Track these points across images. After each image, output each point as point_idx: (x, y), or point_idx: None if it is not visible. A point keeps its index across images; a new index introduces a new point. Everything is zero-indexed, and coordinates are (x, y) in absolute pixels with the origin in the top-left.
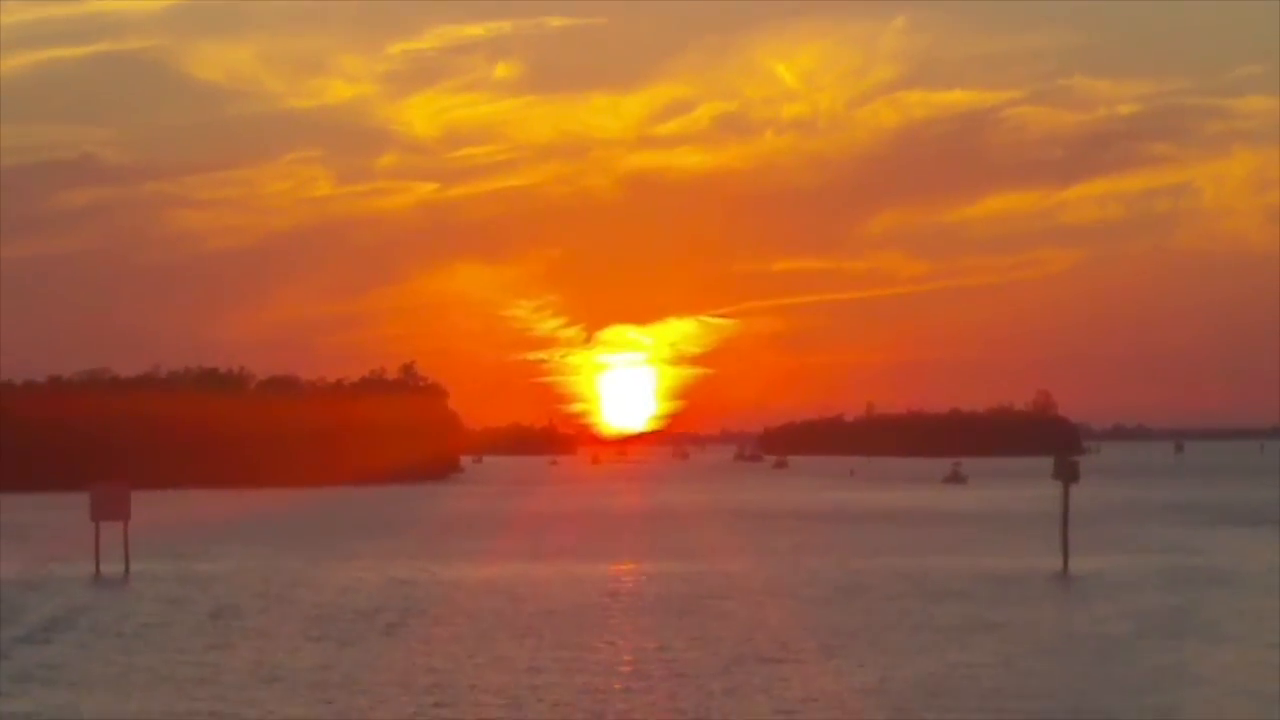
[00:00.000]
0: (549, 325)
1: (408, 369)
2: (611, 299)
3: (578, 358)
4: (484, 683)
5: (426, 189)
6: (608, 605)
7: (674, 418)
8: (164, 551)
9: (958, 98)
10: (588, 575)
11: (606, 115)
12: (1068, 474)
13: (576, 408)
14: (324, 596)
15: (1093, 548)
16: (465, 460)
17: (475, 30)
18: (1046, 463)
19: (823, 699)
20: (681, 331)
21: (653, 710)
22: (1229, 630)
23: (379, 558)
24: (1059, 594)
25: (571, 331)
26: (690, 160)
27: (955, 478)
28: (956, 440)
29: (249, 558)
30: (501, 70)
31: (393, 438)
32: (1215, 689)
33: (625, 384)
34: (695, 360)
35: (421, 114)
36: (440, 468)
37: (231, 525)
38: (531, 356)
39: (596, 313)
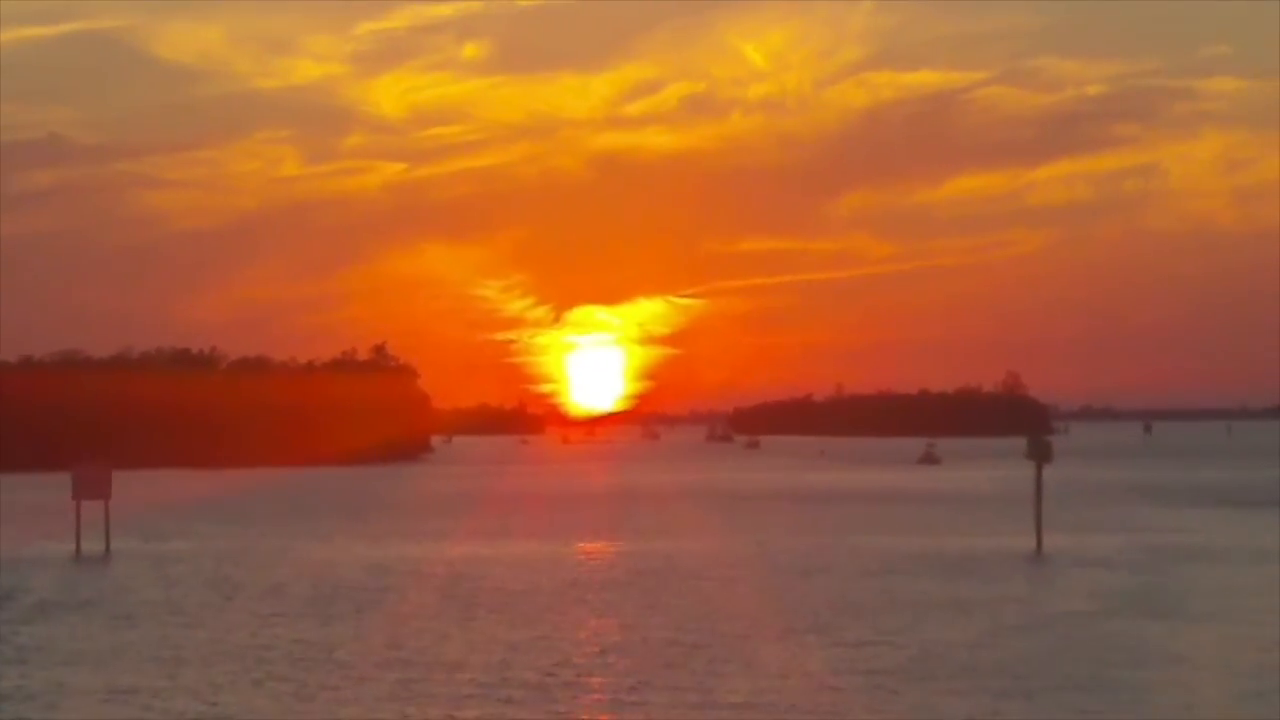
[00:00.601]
0: (517, 305)
1: (379, 349)
2: (580, 279)
3: (546, 338)
4: (460, 660)
5: (394, 169)
6: (582, 584)
7: (643, 398)
8: (140, 531)
9: (926, 78)
10: (562, 554)
11: (575, 95)
12: (1041, 454)
13: (545, 388)
14: (299, 575)
15: (1066, 527)
16: (436, 440)
17: (444, 10)
18: (1017, 443)
19: (798, 675)
20: (650, 312)
21: (630, 686)
22: (1201, 608)
23: (353, 537)
24: (1033, 573)
25: (540, 311)
26: (658, 140)
27: (929, 458)
28: (926, 420)
29: (224, 538)
30: (470, 50)
31: (364, 418)
32: (1187, 665)
33: (594, 364)
34: (663, 340)
35: (390, 94)
36: (411, 448)
37: (206, 505)
38: (500, 337)
39: (565, 293)
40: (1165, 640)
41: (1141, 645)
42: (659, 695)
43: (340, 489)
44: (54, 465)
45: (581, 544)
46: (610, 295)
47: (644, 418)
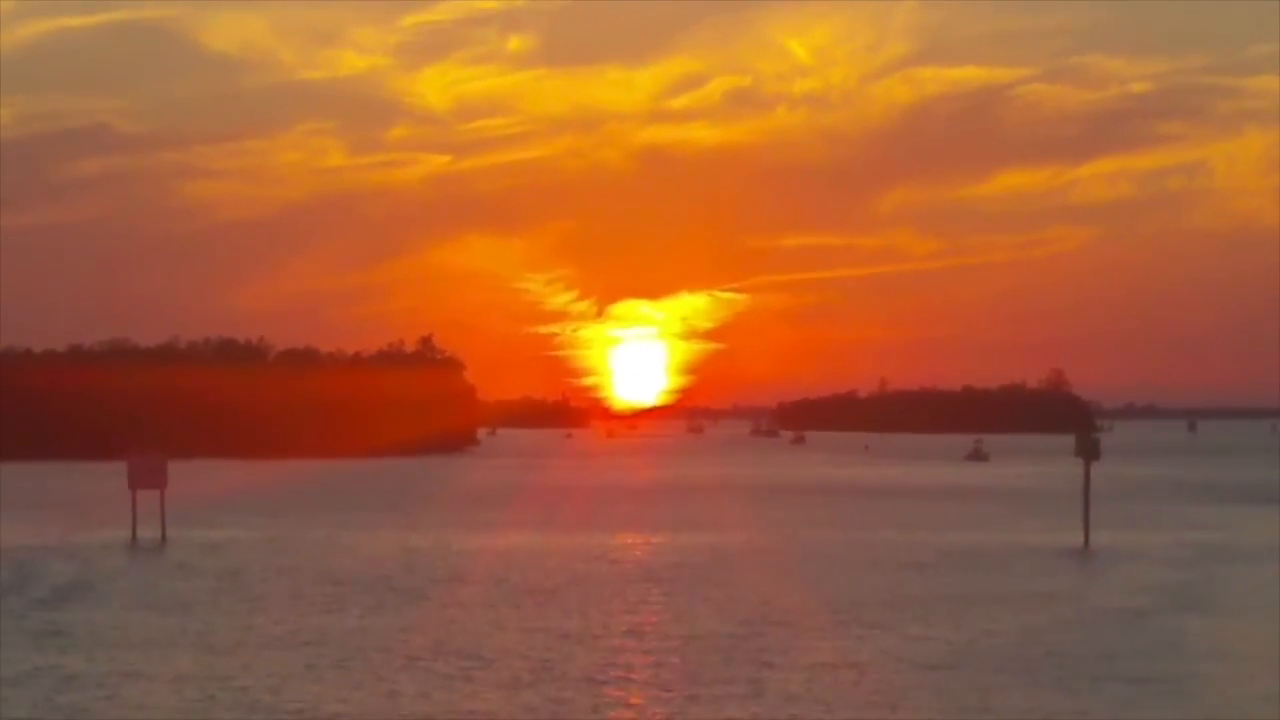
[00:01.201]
0: (561, 299)
1: (426, 341)
2: (623, 273)
3: (589, 331)
4: (510, 649)
5: (439, 161)
6: (631, 575)
7: (685, 392)
8: (193, 520)
9: (971, 74)
10: (611, 547)
11: (619, 89)
12: (1089, 452)
13: (588, 381)
14: (348, 566)
15: (1113, 523)
16: (481, 433)
17: (488, 3)
18: (1062, 440)
19: (847, 667)
20: (693, 306)
21: (681, 677)
22: (1245, 604)
23: (402, 528)
24: (1081, 568)
25: (583, 305)
26: (703, 134)
27: (977, 455)
28: (970, 417)
29: (274, 528)
30: (514, 43)
31: (412, 410)
32: (1232, 659)
33: (637, 358)
34: (706, 335)
35: (434, 86)
36: (457, 440)
37: (255, 496)
38: (543, 330)
39: (608, 286)
40: (1209, 635)
41: (1186, 640)
42: (710, 687)
43: (388, 481)
44: (103, 454)
45: (630, 537)
46: (653, 289)
47: (687, 412)
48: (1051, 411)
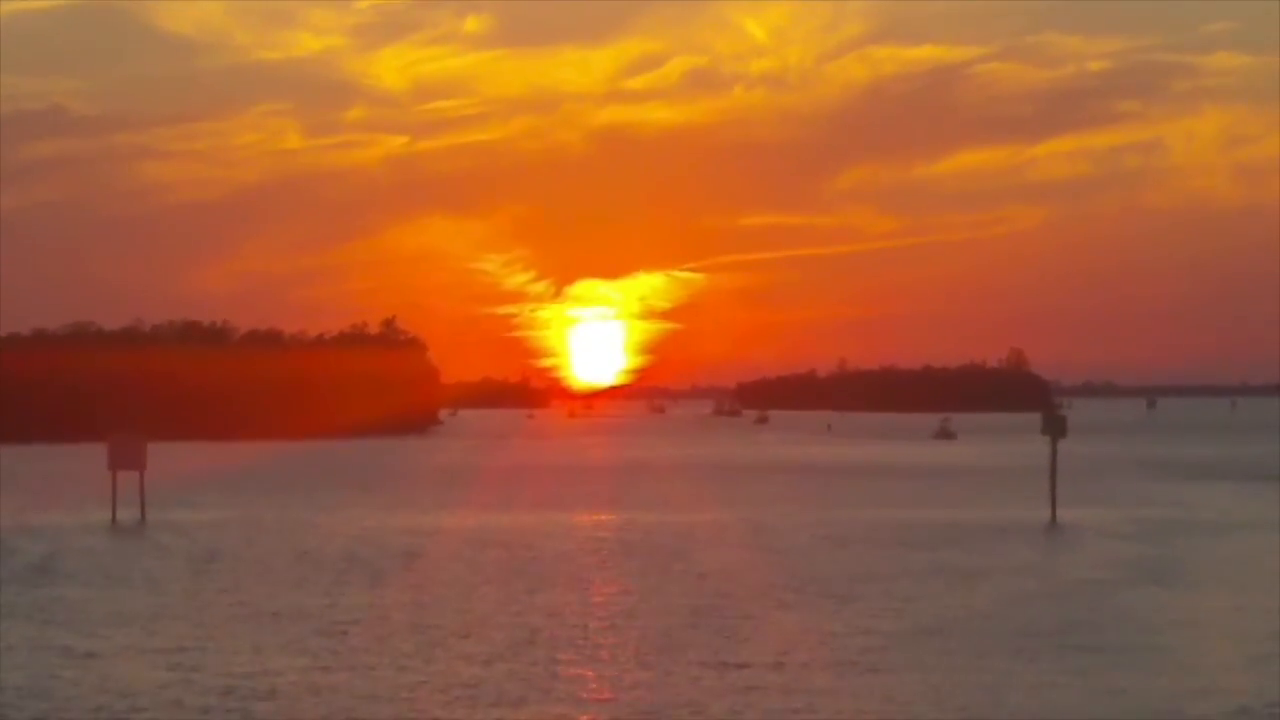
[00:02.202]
0: (519, 279)
1: (388, 323)
2: (581, 253)
3: (548, 312)
4: (484, 623)
5: (396, 142)
6: (601, 551)
7: (644, 372)
8: (170, 501)
9: (927, 53)
10: (579, 524)
11: (576, 69)
12: (1056, 429)
13: (547, 362)
14: (320, 545)
15: (1078, 500)
16: (442, 414)
17: None
18: (1024, 418)
19: (818, 634)
20: (650, 286)
21: (654, 647)
22: (1208, 577)
23: (369, 508)
24: (1048, 542)
25: (541, 286)
26: (660, 115)
27: (944, 433)
28: (930, 396)
29: (245, 508)
30: (471, 23)
31: (375, 391)
32: (1199, 630)
33: (595, 338)
34: (664, 315)
35: (391, 67)
36: (420, 421)
37: (224, 477)
38: (501, 311)
39: (566, 267)
40: (1174, 607)
41: (1152, 611)
42: (683, 655)
43: (354, 461)
44: (75, 436)
45: (598, 515)
46: (611, 269)
47: (645, 392)
48: (1012, 390)
